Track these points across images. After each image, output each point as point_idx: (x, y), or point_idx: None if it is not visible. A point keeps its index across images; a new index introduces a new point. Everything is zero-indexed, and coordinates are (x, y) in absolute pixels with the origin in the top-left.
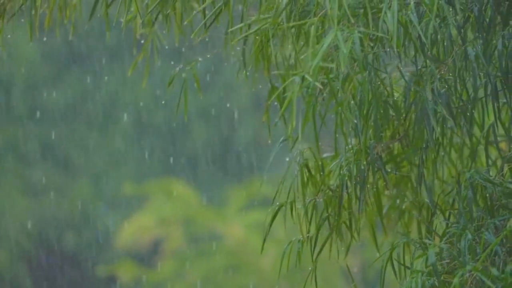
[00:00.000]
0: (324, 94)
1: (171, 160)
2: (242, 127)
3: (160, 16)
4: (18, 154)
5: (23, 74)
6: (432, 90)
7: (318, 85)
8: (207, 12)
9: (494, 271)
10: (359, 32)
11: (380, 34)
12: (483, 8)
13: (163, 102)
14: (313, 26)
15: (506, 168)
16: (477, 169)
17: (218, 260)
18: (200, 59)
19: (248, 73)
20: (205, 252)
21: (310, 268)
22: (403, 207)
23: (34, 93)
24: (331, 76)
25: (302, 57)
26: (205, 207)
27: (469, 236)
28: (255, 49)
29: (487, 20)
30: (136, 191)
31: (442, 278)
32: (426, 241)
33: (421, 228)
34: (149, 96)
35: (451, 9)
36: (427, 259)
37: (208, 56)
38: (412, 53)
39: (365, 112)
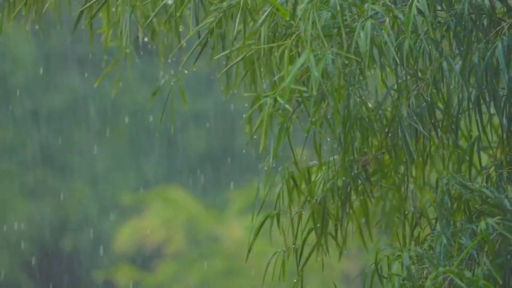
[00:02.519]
0: (297, 117)
1: (171, 164)
2: (241, 130)
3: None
4: (17, 157)
5: (21, 77)
6: (408, 105)
7: (288, 107)
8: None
9: (467, 273)
10: (332, 53)
11: (351, 56)
12: (462, 22)
13: (150, 107)
14: (286, 50)
15: (492, 174)
16: (453, 175)
17: (218, 263)
18: (186, 71)
19: (235, 91)
20: (205, 255)
21: (295, 280)
22: (389, 216)
23: (32, 95)
24: (305, 95)
25: (275, 78)
26: (204, 210)
27: (445, 241)
28: (244, 73)
29: (465, 34)
30: (135, 194)
31: (420, 282)
32: (410, 247)
33: (406, 236)
34: (148, 101)
35: (428, 25)
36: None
37: (195, 69)
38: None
39: (341, 130)
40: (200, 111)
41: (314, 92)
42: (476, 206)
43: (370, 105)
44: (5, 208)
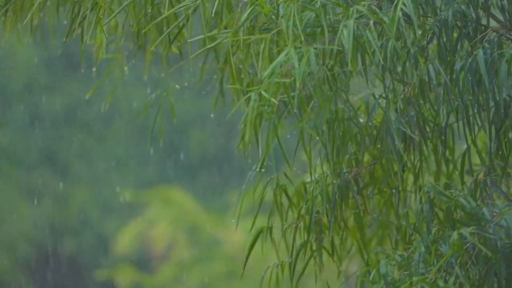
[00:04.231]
0: (285, 117)
1: (170, 166)
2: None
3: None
4: (17, 160)
5: (21, 80)
6: (396, 110)
7: (275, 101)
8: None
9: (440, 282)
10: (315, 48)
11: (335, 48)
12: (447, 29)
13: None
14: (263, 43)
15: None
16: (433, 184)
17: (218, 266)
18: (177, 86)
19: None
20: (205, 258)
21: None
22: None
23: (33, 99)
24: (292, 94)
25: (258, 76)
26: (206, 212)
27: (423, 249)
28: (228, 64)
29: (450, 41)
30: (135, 197)
31: None
32: (390, 254)
33: (400, 246)
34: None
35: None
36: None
37: (186, 84)
38: (376, 73)
39: (326, 132)
40: (201, 112)
41: (298, 85)
42: (450, 214)
43: (353, 106)
44: (6, 209)
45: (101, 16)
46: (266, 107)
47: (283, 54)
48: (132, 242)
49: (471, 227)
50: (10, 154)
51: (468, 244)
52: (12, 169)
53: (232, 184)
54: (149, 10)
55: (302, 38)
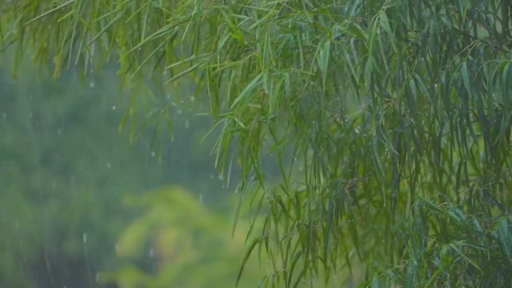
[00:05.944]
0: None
1: (173, 167)
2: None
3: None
4: (20, 161)
5: (24, 81)
6: (379, 125)
7: (241, 124)
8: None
9: None
10: (292, 72)
11: (308, 73)
12: (429, 42)
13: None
14: (234, 71)
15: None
16: (423, 198)
17: (221, 267)
18: (173, 103)
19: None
20: (208, 260)
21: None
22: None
23: (36, 99)
24: (270, 116)
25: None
26: (207, 214)
27: (415, 263)
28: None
29: (434, 54)
30: (138, 198)
31: None
32: (389, 272)
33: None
34: (150, 104)
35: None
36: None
37: (182, 101)
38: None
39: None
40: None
41: (271, 111)
42: (444, 227)
43: (341, 123)
44: (9, 210)
45: (84, 36)
46: (239, 132)
47: (255, 79)
48: (135, 243)
49: (461, 240)
50: (13, 155)
51: (460, 257)
52: (16, 170)
53: (235, 185)
54: (136, 32)
55: (273, 63)
